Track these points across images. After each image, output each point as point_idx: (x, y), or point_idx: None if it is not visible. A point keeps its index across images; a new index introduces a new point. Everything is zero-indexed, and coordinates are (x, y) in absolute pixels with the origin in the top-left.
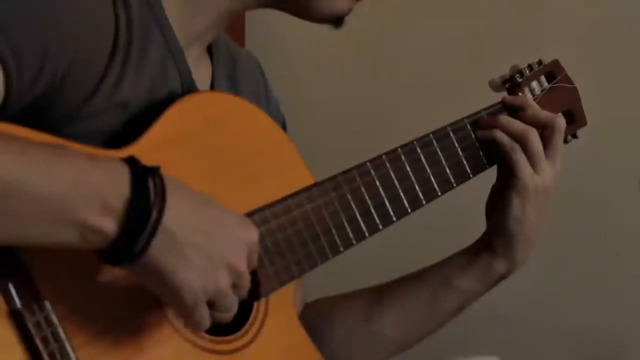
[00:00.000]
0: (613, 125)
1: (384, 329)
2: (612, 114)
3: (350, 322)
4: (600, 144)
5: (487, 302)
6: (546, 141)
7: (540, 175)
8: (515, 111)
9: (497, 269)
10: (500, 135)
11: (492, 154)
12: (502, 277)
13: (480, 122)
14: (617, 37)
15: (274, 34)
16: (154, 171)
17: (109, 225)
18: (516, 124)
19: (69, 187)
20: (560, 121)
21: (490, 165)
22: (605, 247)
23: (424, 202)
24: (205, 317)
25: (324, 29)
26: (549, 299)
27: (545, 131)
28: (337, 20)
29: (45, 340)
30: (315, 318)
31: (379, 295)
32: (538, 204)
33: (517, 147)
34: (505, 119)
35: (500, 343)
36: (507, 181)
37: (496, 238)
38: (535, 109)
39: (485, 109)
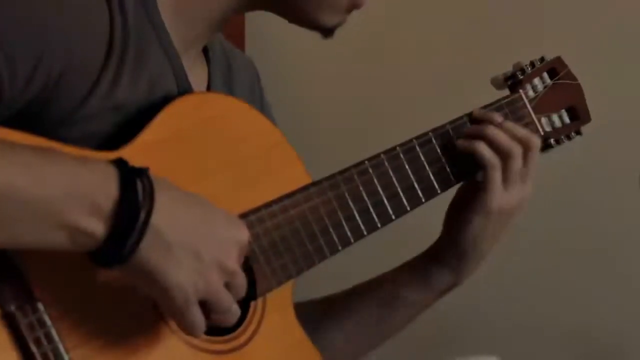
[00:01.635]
0: (613, 125)
1: (334, 340)
2: (613, 113)
3: None
4: (600, 144)
5: (487, 302)
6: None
7: (509, 195)
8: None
9: (445, 281)
10: (482, 149)
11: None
12: (451, 288)
13: (463, 130)
14: (619, 35)
15: (273, 35)
16: (143, 172)
17: (98, 227)
18: (504, 138)
19: (57, 190)
20: (536, 141)
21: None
22: (605, 247)
23: (423, 200)
24: (198, 318)
25: None
26: (549, 299)
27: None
28: (325, 31)
29: (38, 342)
30: None
31: (329, 307)
32: (499, 224)
33: (497, 163)
34: (493, 130)
35: (500, 343)
36: (472, 197)
37: (448, 250)
38: (512, 125)
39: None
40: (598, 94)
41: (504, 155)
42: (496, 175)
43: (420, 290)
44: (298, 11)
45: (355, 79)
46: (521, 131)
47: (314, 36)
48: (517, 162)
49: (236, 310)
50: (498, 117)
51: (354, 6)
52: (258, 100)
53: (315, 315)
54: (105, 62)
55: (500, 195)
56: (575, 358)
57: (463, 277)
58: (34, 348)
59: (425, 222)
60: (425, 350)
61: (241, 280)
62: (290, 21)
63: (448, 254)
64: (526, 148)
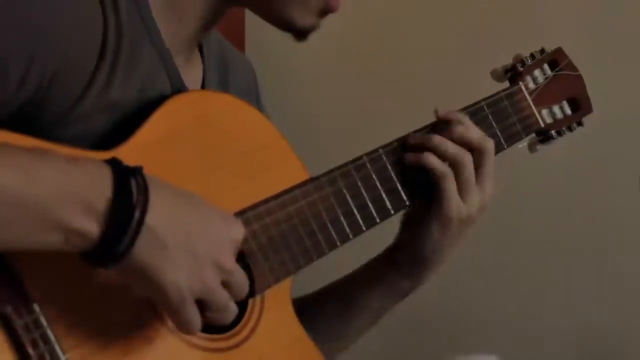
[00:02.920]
0: (613, 125)
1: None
2: (613, 113)
3: None
4: (600, 143)
5: (487, 301)
6: (476, 166)
7: (467, 204)
8: (443, 129)
9: (403, 287)
10: (431, 160)
11: None
12: (408, 294)
13: (410, 140)
14: (620, 31)
15: (273, 35)
16: (137, 171)
17: (92, 226)
18: (451, 146)
19: (50, 190)
20: (490, 145)
21: None
22: (605, 247)
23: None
24: (194, 316)
25: (324, 29)
26: (549, 299)
27: (474, 155)
28: (298, 32)
29: (34, 343)
30: None
31: (301, 305)
32: (458, 232)
33: (449, 173)
34: (438, 139)
35: (500, 342)
36: (430, 207)
37: (408, 259)
38: (467, 127)
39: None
40: (598, 94)
41: (454, 164)
42: (450, 185)
43: (376, 297)
44: (270, 7)
45: (354, 79)
46: (474, 135)
47: (313, 36)
48: (468, 169)
49: (233, 308)
50: (458, 117)
51: (326, 9)
52: (254, 103)
53: None
54: (99, 61)
55: (457, 205)
56: (575, 358)
57: (422, 282)
58: (30, 350)
59: None
60: (425, 350)
61: (241, 278)
62: (264, 19)
63: (407, 262)
64: (479, 153)
